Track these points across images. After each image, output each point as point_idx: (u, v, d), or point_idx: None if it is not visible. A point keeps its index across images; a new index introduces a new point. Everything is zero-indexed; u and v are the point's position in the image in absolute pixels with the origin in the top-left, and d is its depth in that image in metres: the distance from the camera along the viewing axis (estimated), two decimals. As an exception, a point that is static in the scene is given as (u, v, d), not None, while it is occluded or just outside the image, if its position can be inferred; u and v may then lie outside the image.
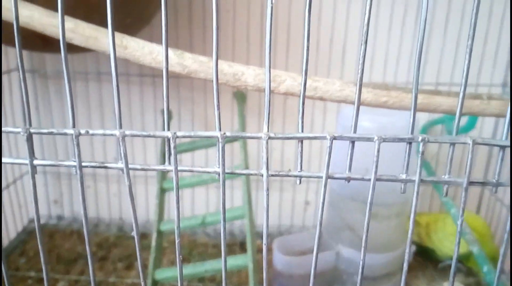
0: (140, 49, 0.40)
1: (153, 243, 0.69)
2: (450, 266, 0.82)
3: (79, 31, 0.40)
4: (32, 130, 0.25)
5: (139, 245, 0.27)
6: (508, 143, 0.25)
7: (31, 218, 0.99)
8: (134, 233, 0.26)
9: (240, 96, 0.82)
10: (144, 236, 0.93)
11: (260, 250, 0.90)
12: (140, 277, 0.28)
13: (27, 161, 0.26)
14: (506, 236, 0.25)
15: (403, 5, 0.84)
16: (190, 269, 0.64)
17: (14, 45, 0.74)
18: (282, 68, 0.87)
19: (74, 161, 0.26)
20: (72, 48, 0.43)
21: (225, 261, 0.27)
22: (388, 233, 0.74)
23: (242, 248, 0.90)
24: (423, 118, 0.89)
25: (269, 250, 0.89)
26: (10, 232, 0.90)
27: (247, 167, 0.73)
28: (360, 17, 0.84)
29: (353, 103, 0.45)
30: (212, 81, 0.41)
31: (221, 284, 0.81)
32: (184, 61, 0.40)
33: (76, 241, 0.92)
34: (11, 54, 0.89)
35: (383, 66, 0.87)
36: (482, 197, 0.95)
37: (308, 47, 0.24)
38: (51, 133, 0.25)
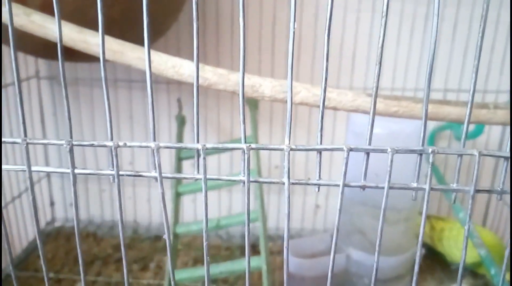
0: (163, 63, 0.42)
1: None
2: (449, 262, 0.84)
3: (107, 46, 0.42)
4: (74, 143, 0.27)
5: (170, 248, 0.29)
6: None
7: (48, 221, 1.02)
8: (165, 236, 0.29)
9: (253, 103, 0.84)
10: (158, 238, 0.96)
11: (272, 253, 0.93)
12: (171, 276, 0.30)
13: (69, 170, 0.28)
14: None
15: (411, 12, 0.85)
16: (204, 270, 0.66)
17: (38, 55, 0.76)
18: (294, 78, 0.89)
19: (112, 170, 0.28)
20: (94, 58, 0.46)
21: (249, 262, 0.29)
22: (397, 237, 0.76)
23: (254, 250, 0.92)
24: (431, 123, 0.91)
25: (279, 252, 0.92)
26: (29, 235, 0.93)
27: (259, 173, 0.76)
28: (368, 25, 0.86)
29: (365, 112, 0.47)
30: (230, 91, 0.44)
31: (233, 285, 0.84)
32: (204, 73, 0.43)
33: (92, 243, 0.95)
34: (30, 62, 0.92)
35: (392, 72, 0.89)
36: (489, 204, 0.97)
37: (327, 67, 0.26)
38: (92, 145, 0.27)
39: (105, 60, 0.27)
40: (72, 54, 0.50)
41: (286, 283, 0.30)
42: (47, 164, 1.01)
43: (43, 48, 0.61)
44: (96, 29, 0.46)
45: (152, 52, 0.44)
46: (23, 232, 0.92)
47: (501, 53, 0.87)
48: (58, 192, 1.03)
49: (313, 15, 0.86)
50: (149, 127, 0.28)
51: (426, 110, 0.27)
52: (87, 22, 0.48)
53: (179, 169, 0.81)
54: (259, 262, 0.66)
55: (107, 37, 0.43)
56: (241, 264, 0.66)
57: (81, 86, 0.94)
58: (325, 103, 0.45)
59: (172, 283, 0.30)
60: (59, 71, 0.26)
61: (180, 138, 0.85)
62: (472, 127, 0.81)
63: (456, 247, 0.81)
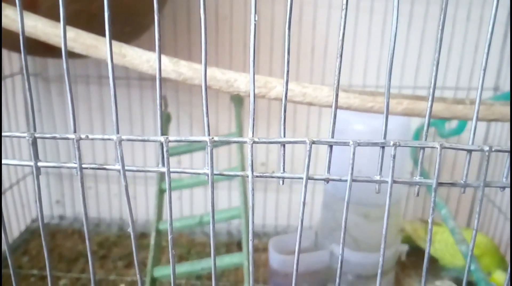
0: (138, 58, 0.42)
1: (152, 241, 0.71)
2: (441, 266, 0.85)
3: (80, 40, 0.42)
4: (36, 135, 0.27)
5: (135, 242, 0.29)
6: (473, 148, 0.27)
7: (34, 218, 1.01)
8: (130, 229, 0.29)
9: (237, 99, 0.84)
10: (143, 235, 0.96)
11: (257, 250, 0.93)
12: (136, 272, 0.30)
13: (32, 163, 0.28)
14: None
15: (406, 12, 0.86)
16: (187, 267, 0.66)
17: (17, 51, 0.76)
18: (275, 74, 0.89)
19: (75, 163, 0.28)
20: (73, 54, 0.45)
21: (214, 258, 0.29)
22: (380, 233, 0.76)
23: (240, 247, 0.93)
24: (416, 120, 0.91)
25: (265, 249, 0.92)
26: (14, 232, 0.93)
27: (243, 169, 0.75)
28: (353, 23, 0.86)
29: (340, 107, 0.47)
30: (207, 87, 0.44)
31: (217, 282, 0.84)
32: (179, 68, 0.42)
33: (78, 240, 0.94)
34: (15, 59, 0.91)
35: (377, 70, 0.89)
36: (474, 202, 0.97)
37: (288, 60, 0.26)
38: (54, 138, 0.27)
39: (67, 54, 0.27)
40: (52, 50, 0.50)
41: (251, 277, 0.30)
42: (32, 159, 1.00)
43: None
44: (76, 25, 0.46)
45: (126, 46, 0.44)
46: (8, 230, 0.91)
47: (460, 51, 0.87)
48: (44, 189, 1.02)
49: (298, 15, 0.87)
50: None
51: (387, 103, 0.27)
52: (66, 18, 0.47)
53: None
54: (241, 258, 0.66)
55: (81, 32, 0.43)
56: (222, 261, 0.66)
57: (65, 82, 0.93)
58: (301, 99, 0.45)
59: (139, 278, 0.30)
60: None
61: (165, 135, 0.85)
62: (455, 123, 0.82)
63: (447, 250, 0.81)
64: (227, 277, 0.83)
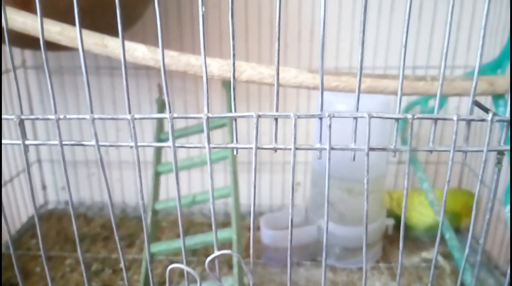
0: (118, 47, 0.46)
1: (148, 220, 0.76)
2: (425, 237, 0.89)
3: (66, 33, 0.46)
4: (22, 117, 0.32)
5: (114, 219, 0.34)
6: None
7: (42, 204, 1.07)
8: (110, 208, 0.33)
9: (228, 85, 0.88)
10: (141, 218, 1.01)
11: (243, 228, 0.97)
12: (118, 248, 0.34)
13: (20, 142, 0.33)
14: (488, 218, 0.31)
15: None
16: (180, 242, 0.71)
17: (16, 45, 0.80)
18: (264, 59, 0.93)
19: (57, 141, 0.32)
20: (65, 47, 0.50)
21: (216, 231, 0.34)
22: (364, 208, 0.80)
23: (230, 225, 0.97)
24: (404, 100, 0.95)
25: (257, 227, 0.96)
26: (22, 217, 0.98)
27: (232, 150, 0.79)
28: (337, 6, 0.90)
29: (308, 88, 0.51)
30: (183, 72, 0.48)
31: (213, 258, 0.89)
32: (157, 55, 0.47)
33: (83, 223, 1.00)
34: (16, 52, 0.96)
35: (349, 52, 0.93)
36: (462, 174, 1.01)
37: (279, 49, 0.30)
38: (37, 119, 0.31)
39: (45, 47, 0.31)
40: (51, 44, 0.54)
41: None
42: (37, 149, 1.06)
43: (18, 38, 0.66)
44: (68, 21, 0.50)
45: (108, 37, 0.48)
46: (16, 214, 0.97)
47: (468, 29, 0.90)
48: (50, 176, 1.08)
49: (284, 0, 0.90)
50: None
51: (360, 79, 0.31)
52: (58, 13, 0.52)
53: (158, 150, 0.85)
54: (230, 233, 0.70)
55: (65, 25, 0.47)
56: (213, 236, 0.71)
57: (66, 75, 0.98)
58: (270, 80, 0.49)
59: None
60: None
61: (160, 122, 0.89)
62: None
63: (413, 209, 0.86)
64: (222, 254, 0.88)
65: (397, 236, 0.91)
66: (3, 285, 0.78)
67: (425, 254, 0.87)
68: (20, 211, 0.97)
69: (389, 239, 0.90)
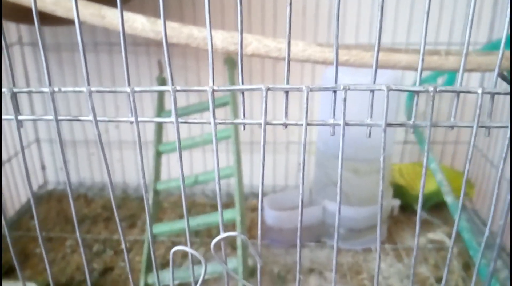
0: (116, 18, 0.44)
1: (150, 201, 0.74)
2: (430, 218, 0.88)
3: (61, 3, 0.44)
4: (14, 90, 0.29)
5: (114, 201, 0.32)
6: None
7: (41, 184, 1.05)
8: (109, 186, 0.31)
9: (231, 61, 0.85)
10: (142, 199, 0.99)
11: (252, 209, 0.96)
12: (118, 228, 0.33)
13: (12, 117, 0.30)
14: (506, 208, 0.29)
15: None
16: (182, 224, 0.69)
17: (12, 20, 0.78)
18: (268, 33, 0.90)
19: (52, 116, 0.30)
20: (61, 21, 0.47)
21: (222, 210, 0.32)
22: (370, 188, 0.78)
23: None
24: (409, 78, 0.92)
25: (255, 209, 0.95)
26: (21, 198, 0.97)
27: (237, 131, 0.77)
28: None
29: (316, 62, 0.48)
30: (184, 45, 0.45)
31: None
32: (157, 27, 0.44)
33: (83, 204, 0.98)
34: (12, 28, 0.93)
35: (369, 27, 0.90)
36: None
37: (290, 25, 0.27)
38: (30, 92, 0.29)
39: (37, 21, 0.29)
40: (46, 17, 0.51)
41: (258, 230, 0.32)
42: (35, 129, 1.03)
43: (13, 11, 0.63)
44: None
45: (105, 8, 0.45)
46: (15, 195, 0.95)
47: (451, 7, 0.87)
48: (49, 157, 1.06)
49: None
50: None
51: (377, 55, 0.29)
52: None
53: (159, 129, 0.83)
54: (233, 214, 0.69)
55: (61, -5, 0.44)
56: (216, 217, 0.69)
57: (63, 52, 0.95)
58: (277, 54, 0.47)
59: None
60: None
61: (161, 99, 0.87)
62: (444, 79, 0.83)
63: (418, 178, 0.86)
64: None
65: (402, 217, 0.90)
66: (3, 266, 0.77)
67: (431, 235, 0.86)
68: (19, 191, 0.96)
69: (394, 220, 0.89)
